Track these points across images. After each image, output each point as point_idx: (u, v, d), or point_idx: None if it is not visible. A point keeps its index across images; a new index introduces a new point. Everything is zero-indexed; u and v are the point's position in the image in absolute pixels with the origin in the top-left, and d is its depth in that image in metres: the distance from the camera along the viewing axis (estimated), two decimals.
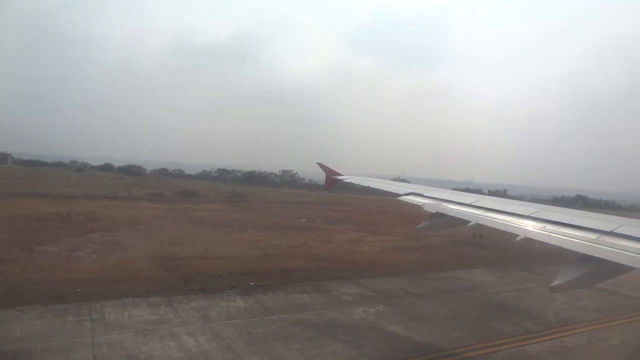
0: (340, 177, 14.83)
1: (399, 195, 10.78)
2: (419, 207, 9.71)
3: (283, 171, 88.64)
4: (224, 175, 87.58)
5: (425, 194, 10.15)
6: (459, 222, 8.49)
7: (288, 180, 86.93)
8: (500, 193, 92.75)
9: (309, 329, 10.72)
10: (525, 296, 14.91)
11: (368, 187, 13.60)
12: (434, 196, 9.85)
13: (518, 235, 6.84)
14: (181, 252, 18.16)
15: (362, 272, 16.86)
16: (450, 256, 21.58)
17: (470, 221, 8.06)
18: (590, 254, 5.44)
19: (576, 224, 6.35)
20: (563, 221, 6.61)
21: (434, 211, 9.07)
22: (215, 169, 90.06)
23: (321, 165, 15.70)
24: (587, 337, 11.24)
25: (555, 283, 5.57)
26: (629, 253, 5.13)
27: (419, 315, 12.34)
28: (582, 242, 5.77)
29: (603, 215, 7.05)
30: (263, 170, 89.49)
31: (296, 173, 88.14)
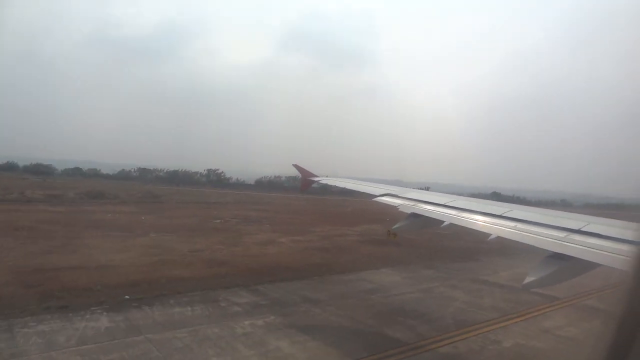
0: (316, 179, 14.42)
1: (375, 196, 10.64)
2: (394, 208, 9.61)
3: (209, 170, 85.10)
4: (145, 175, 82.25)
5: (400, 195, 10.05)
6: (434, 222, 8.47)
7: (214, 180, 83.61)
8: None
9: (176, 352, 9.09)
10: (428, 297, 14.31)
11: (344, 188, 13.40)
12: (410, 197, 9.75)
13: (490, 234, 6.88)
14: (55, 262, 15.61)
15: (262, 278, 15.46)
16: (361, 256, 20.85)
17: (444, 221, 8.05)
18: (560, 251, 5.53)
19: (546, 223, 6.40)
20: (533, 220, 6.66)
21: (409, 212, 8.98)
22: (136, 168, 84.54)
23: (297, 167, 15.08)
24: (481, 340, 10.65)
25: (526, 281, 5.61)
26: (596, 250, 5.24)
27: (311, 325, 11.15)
28: (552, 240, 5.86)
29: (571, 214, 7.05)
30: (188, 170, 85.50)
31: (222, 172, 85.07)
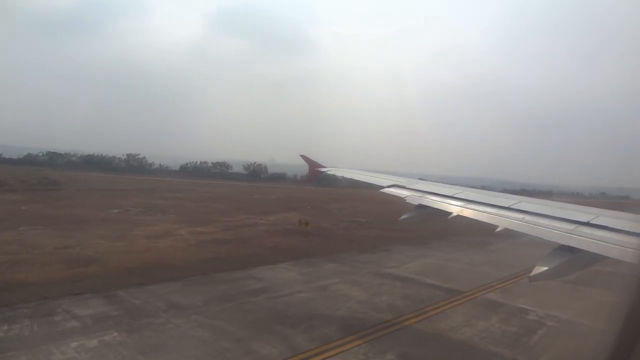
0: (324, 169, 13.82)
1: (382, 187, 10.25)
2: (401, 199, 9.28)
3: (128, 155, 78.92)
4: (55, 160, 74.52)
5: (408, 186, 9.84)
6: (441, 214, 8.22)
7: (135, 166, 77.76)
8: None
9: None
10: (320, 297, 12.53)
11: (352, 179, 12.78)
12: (417, 188, 9.57)
13: (498, 226, 6.75)
14: None
15: (130, 280, 12.89)
16: (263, 249, 18.77)
17: (452, 212, 7.85)
18: (568, 244, 5.47)
19: (554, 215, 6.31)
20: (542, 212, 6.57)
21: (416, 203, 8.79)
22: (45, 152, 76.33)
23: (304, 157, 14.30)
24: (364, 350, 8.96)
25: (534, 272, 5.44)
26: (604, 243, 5.19)
27: (161, 343, 8.80)
28: (560, 232, 5.77)
29: (580, 207, 6.90)
30: (105, 154, 78.73)
31: (144, 158, 79.29)
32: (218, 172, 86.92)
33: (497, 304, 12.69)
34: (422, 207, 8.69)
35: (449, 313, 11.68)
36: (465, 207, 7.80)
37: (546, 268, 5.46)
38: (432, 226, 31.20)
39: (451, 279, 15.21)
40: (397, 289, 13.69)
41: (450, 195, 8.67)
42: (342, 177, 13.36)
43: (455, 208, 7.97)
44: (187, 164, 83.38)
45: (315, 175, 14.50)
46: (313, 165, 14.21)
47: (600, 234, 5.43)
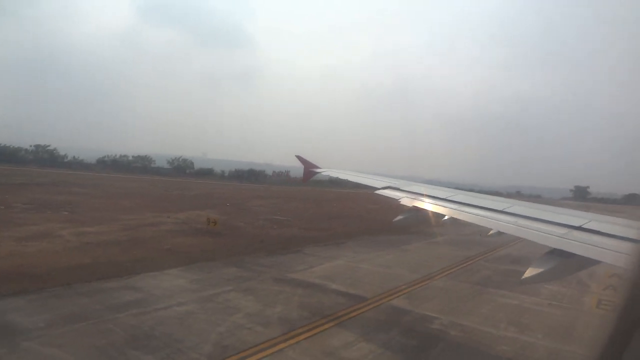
0: (319, 170, 13.94)
1: (377, 189, 10.45)
2: (395, 201, 9.45)
3: (37, 146, 71.17)
4: None
5: (402, 188, 9.94)
6: (435, 216, 8.31)
7: (45, 158, 70.17)
8: (284, 174, 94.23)
9: None
10: (203, 310, 10.68)
11: (346, 180, 12.92)
12: (411, 190, 9.66)
13: (491, 229, 6.78)
14: None
15: None
16: (157, 252, 16.46)
17: (445, 215, 7.92)
18: (560, 247, 5.45)
19: (547, 219, 6.31)
20: (534, 216, 6.59)
21: (410, 205, 8.87)
22: None
23: (300, 158, 14.33)
24: None
25: (526, 275, 5.46)
26: (596, 247, 5.16)
27: None
28: (552, 236, 5.76)
29: (572, 211, 6.95)
30: (8, 145, 70.23)
31: (55, 149, 71.85)
32: (140, 166, 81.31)
33: (401, 312, 11.60)
34: (416, 209, 8.75)
35: (348, 325, 10.35)
36: (459, 210, 7.85)
37: (538, 271, 5.47)
38: (355, 224, 30.39)
39: (358, 284, 14.02)
40: (296, 298, 12.20)
41: (443, 197, 8.65)
42: (337, 178, 13.51)
43: (448, 210, 8.01)
44: (105, 157, 76.98)
45: (310, 176, 14.44)
46: (308, 165, 14.13)
47: (593, 238, 5.45)
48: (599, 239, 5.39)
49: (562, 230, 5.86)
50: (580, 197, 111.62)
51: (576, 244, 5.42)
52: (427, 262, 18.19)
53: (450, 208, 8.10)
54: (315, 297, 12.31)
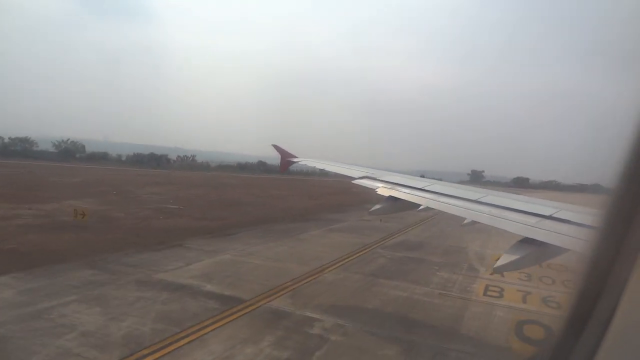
0: (295, 160, 13.60)
1: (354, 178, 10.23)
2: (372, 190, 9.27)
3: None
4: None
5: (379, 178, 9.80)
6: (411, 206, 8.29)
7: None
8: (189, 159, 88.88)
9: None
10: (23, 331, 8.00)
11: (323, 170, 12.74)
12: (388, 180, 9.50)
13: (465, 218, 6.87)
14: None
15: None
16: None
17: (421, 205, 7.97)
18: (531, 236, 5.50)
19: (519, 209, 6.38)
20: (507, 205, 6.61)
21: (387, 195, 8.70)
22: None
23: (276, 147, 13.95)
24: None
25: (497, 264, 5.50)
26: (565, 236, 5.21)
27: None
28: (524, 225, 5.82)
29: (543, 201, 7.04)
30: None
31: None
32: (19, 149, 71.30)
33: (281, 315, 10.05)
34: (392, 199, 8.61)
35: (210, 339, 8.50)
36: (435, 200, 7.86)
37: (510, 259, 5.46)
38: (256, 212, 28.50)
39: (238, 283, 12.25)
40: (157, 305, 10.09)
41: (420, 187, 8.66)
42: (314, 167, 13.34)
43: (424, 200, 8.00)
44: None
45: (288, 166, 14.19)
46: (285, 155, 13.91)
47: (562, 227, 5.48)
48: (568, 227, 5.43)
49: (533, 220, 5.92)
50: (476, 181, 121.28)
51: (546, 232, 5.47)
52: (322, 253, 16.98)
53: (426, 198, 8.09)
54: (181, 302, 10.30)
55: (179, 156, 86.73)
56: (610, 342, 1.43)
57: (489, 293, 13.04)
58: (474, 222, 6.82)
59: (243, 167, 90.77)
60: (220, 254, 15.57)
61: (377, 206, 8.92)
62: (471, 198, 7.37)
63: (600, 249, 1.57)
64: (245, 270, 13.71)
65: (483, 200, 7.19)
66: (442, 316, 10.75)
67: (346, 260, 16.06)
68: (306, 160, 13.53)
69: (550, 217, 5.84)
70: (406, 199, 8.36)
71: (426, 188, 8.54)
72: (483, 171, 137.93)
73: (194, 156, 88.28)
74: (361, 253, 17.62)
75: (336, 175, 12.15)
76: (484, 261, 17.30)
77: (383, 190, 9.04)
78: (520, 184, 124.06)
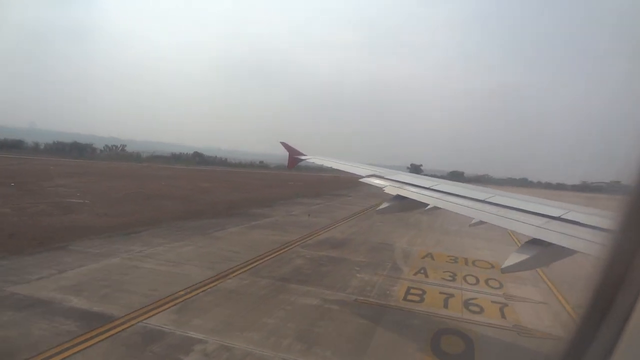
0: (303, 157, 13.66)
1: (362, 177, 10.41)
2: (379, 189, 9.31)
3: None
4: None
5: (386, 177, 9.85)
6: (418, 205, 8.17)
7: None
8: (118, 149, 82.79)
9: None
10: None
11: (330, 167, 12.61)
12: (395, 179, 9.55)
13: (473, 218, 6.76)
14: None
15: None
16: None
17: (428, 204, 7.78)
18: (540, 237, 5.44)
19: (527, 209, 6.32)
20: (515, 206, 6.58)
21: (394, 193, 8.71)
22: None
23: (285, 145, 13.96)
24: None
25: (505, 265, 5.41)
26: (573, 237, 5.11)
27: None
28: (532, 226, 5.74)
29: (552, 202, 6.85)
30: None
31: None
32: None
33: (154, 337, 8.08)
34: (400, 198, 8.51)
35: None
36: (442, 199, 7.81)
37: (518, 260, 5.34)
38: (174, 206, 25.95)
39: (116, 295, 10.10)
40: (34, 327, 7.82)
41: (427, 187, 8.61)
42: (322, 165, 13.17)
43: (432, 200, 7.91)
44: None
45: (295, 163, 14.03)
46: (293, 152, 13.89)
47: (570, 228, 5.38)
48: (577, 229, 5.33)
49: (541, 221, 5.85)
50: (414, 174, 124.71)
51: (554, 233, 5.39)
52: (234, 253, 15.10)
53: (434, 197, 7.99)
54: (22, 326, 8.02)
55: (106, 145, 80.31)
56: (628, 339, 1.41)
57: (409, 297, 11.83)
58: (481, 222, 6.64)
59: (177, 158, 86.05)
60: (108, 257, 13.22)
61: (385, 205, 8.83)
62: (479, 198, 7.36)
63: (619, 246, 1.58)
64: (132, 277, 11.53)
65: (491, 200, 7.17)
66: (351, 330, 9.29)
67: (259, 262, 14.30)
68: (314, 158, 13.61)
69: (558, 218, 5.77)
70: (414, 198, 8.33)
71: (433, 187, 8.56)
72: (421, 165, 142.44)
73: (124, 146, 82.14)
74: (278, 253, 15.93)
75: (343, 173, 12.43)
76: (408, 260, 16.28)
77: (390, 189, 9.02)
78: (456, 177, 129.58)
